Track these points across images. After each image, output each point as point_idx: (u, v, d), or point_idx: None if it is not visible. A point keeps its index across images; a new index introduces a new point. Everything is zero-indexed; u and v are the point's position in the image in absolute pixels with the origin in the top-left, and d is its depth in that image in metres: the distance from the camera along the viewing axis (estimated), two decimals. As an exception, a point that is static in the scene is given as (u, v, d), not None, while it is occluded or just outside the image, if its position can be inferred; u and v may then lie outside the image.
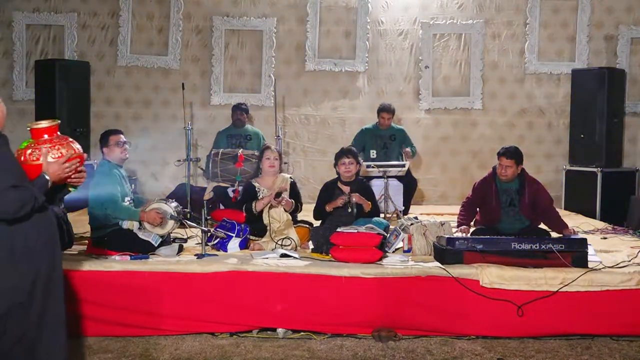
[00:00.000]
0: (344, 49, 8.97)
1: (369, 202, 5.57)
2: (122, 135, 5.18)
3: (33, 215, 2.92)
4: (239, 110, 7.66)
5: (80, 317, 4.40)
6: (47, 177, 3.03)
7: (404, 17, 8.93)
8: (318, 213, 5.64)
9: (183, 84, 7.62)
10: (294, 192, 5.70)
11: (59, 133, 3.22)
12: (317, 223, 5.68)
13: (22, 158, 3.08)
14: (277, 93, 8.17)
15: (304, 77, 8.97)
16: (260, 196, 5.60)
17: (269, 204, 5.49)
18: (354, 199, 5.47)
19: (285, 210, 5.52)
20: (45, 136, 3.15)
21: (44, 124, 3.18)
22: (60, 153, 3.09)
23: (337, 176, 5.77)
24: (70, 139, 3.22)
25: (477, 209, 5.70)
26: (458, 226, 5.59)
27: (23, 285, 2.93)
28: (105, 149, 5.13)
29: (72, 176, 3.16)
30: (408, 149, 7.34)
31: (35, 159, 3.06)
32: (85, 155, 3.26)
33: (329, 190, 5.67)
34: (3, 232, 2.89)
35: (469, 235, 5.31)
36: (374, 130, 7.60)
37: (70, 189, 3.28)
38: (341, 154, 5.71)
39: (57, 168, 3.07)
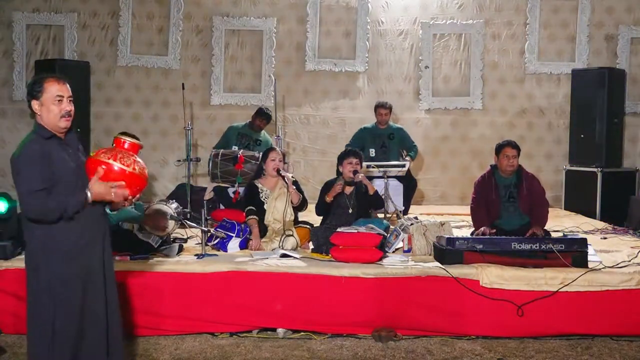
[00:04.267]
0: (344, 49, 8.97)
1: (373, 187, 5.67)
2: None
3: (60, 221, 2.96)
4: (264, 118, 7.49)
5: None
6: (89, 195, 2.95)
7: (404, 17, 8.93)
8: (320, 207, 5.63)
9: (183, 84, 7.61)
10: (297, 190, 5.69)
11: (133, 154, 3.07)
12: (317, 223, 5.68)
13: (94, 153, 3.03)
14: (277, 93, 8.17)
15: (304, 77, 8.97)
16: (263, 197, 5.60)
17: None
18: (359, 177, 5.49)
19: (293, 205, 5.52)
20: (126, 146, 3.07)
21: (127, 137, 3.12)
22: (120, 168, 2.96)
23: (337, 176, 5.77)
24: (139, 169, 3.04)
25: None
26: (477, 228, 5.38)
27: (60, 282, 2.99)
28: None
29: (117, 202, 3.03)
30: (408, 159, 7.28)
31: (101, 157, 2.98)
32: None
33: (330, 188, 5.67)
34: (43, 230, 2.97)
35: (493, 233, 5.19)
36: (372, 129, 7.60)
37: (107, 209, 3.18)
38: (348, 154, 5.71)
39: (103, 191, 2.96)
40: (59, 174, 2.98)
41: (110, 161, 2.96)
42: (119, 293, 4.47)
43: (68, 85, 3.10)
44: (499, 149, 5.48)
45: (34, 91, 3.03)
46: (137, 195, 3.14)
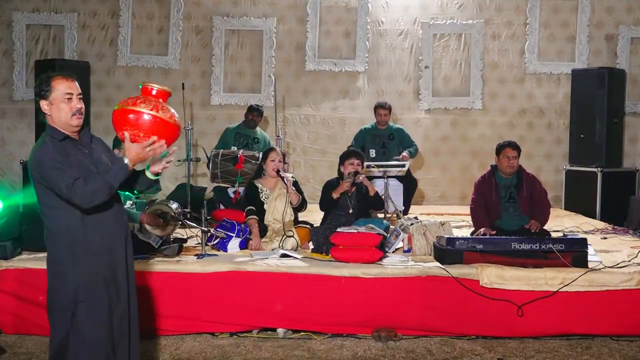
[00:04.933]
0: (344, 49, 8.97)
1: (374, 188, 5.69)
2: None
3: (111, 203, 2.89)
4: (255, 112, 7.58)
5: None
6: (126, 162, 2.88)
7: (404, 17, 8.93)
8: (324, 203, 5.63)
9: (183, 84, 7.61)
10: (297, 191, 5.70)
11: (162, 102, 3.00)
12: (317, 223, 5.68)
13: (125, 104, 2.93)
14: (277, 93, 8.18)
15: (304, 77, 8.97)
16: (263, 197, 5.60)
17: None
18: (360, 178, 5.51)
19: (292, 205, 5.52)
20: (154, 93, 2.98)
21: (155, 86, 3.04)
22: (151, 115, 2.87)
23: (338, 176, 5.77)
24: (169, 116, 2.95)
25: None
26: (477, 229, 5.41)
27: (88, 286, 2.90)
28: (116, 150, 5.11)
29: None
30: (405, 154, 7.29)
31: (132, 104, 2.89)
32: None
33: (332, 187, 5.68)
34: (68, 232, 2.88)
35: (493, 233, 5.21)
36: (372, 130, 7.60)
37: (149, 175, 3.10)
38: (349, 155, 5.70)
39: (139, 152, 2.89)
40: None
41: (140, 108, 2.85)
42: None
43: (77, 83, 3.01)
44: (500, 149, 5.49)
45: (42, 91, 2.91)
46: (174, 148, 3.07)
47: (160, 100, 2.98)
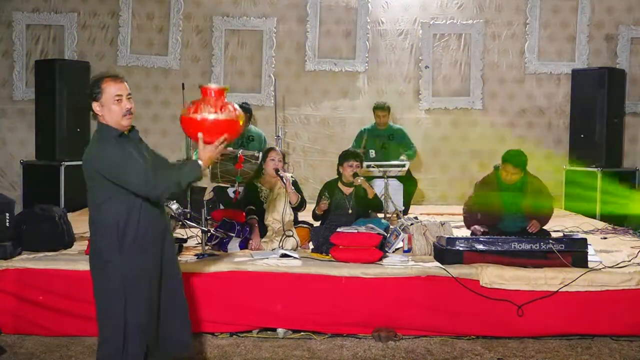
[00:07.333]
0: (344, 49, 8.97)
1: (373, 190, 5.67)
2: None
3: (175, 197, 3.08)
4: (243, 111, 7.59)
5: (81, 316, 4.40)
6: (200, 163, 3.07)
7: (404, 17, 8.93)
8: (314, 215, 5.64)
9: (183, 84, 7.61)
10: (297, 190, 5.69)
11: (225, 99, 3.22)
12: (317, 223, 5.68)
13: (187, 112, 3.12)
14: (277, 93, 8.18)
15: (304, 77, 8.97)
16: (262, 197, 5.61)
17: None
18: (359, 180, 5.51)
19: (291, 205, 5.52)
20: (213, 94, 3.16)
21: (212, 85, 3.22)
22: (217, 115, 3.09)
23: (337, 176, 5.77)
24: (229, 111, 3.17)
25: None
26: (468, 228, 5.46)
27: (133, 275, 3.03)
28: None
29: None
30: (404, 157, 7.29)
31: (194, 110, 3.09)
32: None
33: (329, 190, 5.68)
34: (116, 225, 3.01)
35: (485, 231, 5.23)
36: (372, 130, 7.61)
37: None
38: (348, 156, 5.69)
39: (212, 155, 3.09)
40: None
41: (204, 115, 3.06)
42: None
43: (126, 84, 3.14)
44: (504, 160, 5.40)
45: (93, 93, 3.06)
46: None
47: (221, 98, 3.18)
